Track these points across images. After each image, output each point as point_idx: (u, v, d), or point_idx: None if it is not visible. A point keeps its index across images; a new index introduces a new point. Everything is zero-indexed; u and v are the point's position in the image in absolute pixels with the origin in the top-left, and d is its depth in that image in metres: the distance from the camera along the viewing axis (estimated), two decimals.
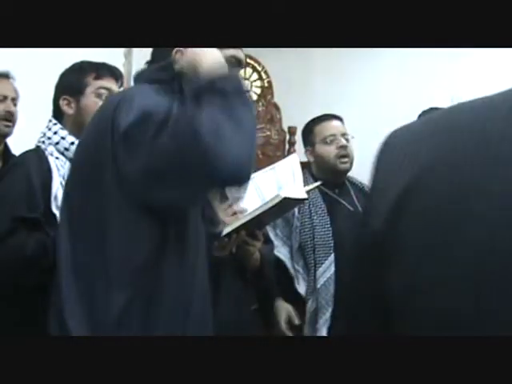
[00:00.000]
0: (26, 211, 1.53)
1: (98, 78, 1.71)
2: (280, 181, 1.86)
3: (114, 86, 1.73)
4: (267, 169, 1.90)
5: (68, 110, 1.72)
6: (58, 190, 1.57)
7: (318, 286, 2.16)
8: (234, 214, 1.68)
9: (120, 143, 1.13)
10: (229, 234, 1.61)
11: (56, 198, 1.56)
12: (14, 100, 2.21)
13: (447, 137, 0.60)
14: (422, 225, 0.59)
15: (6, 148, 2.24)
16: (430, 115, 0.68)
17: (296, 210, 2.21)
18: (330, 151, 2.33)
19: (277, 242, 2.22)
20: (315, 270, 2.18)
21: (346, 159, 2.33)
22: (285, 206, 1.70)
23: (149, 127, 1.09)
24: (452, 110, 0.65)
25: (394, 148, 0.65)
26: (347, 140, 2.37)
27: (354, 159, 2.39)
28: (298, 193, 1.75)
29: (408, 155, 0.62)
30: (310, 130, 2.43)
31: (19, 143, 2.26)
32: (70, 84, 1.73)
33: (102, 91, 1.69)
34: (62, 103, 1.72)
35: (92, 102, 1.68)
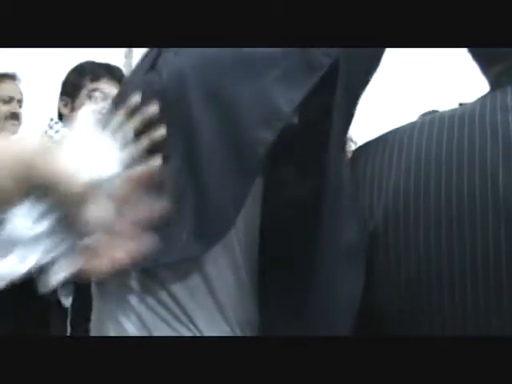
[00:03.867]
0: None
1: (93, 79, 1.66)
2: None
3: (111, 87, 1.65)
4: None
5: (65, 111, 1.71)
6: None
7: None
8: None
9: None
10: None
11: None
12: (20, 102, 2.22)
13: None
14: None
15: None
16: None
17: None
18: None
19: None
20: None
21: None
22: None
23: None
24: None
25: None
26: None
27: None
28: None
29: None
30: None
31: None
32: (69, 85, 1.72)
33: (96, 93, 1.64)
34: (60, 104, 1.72)
35: (83, 104, 1.61)
